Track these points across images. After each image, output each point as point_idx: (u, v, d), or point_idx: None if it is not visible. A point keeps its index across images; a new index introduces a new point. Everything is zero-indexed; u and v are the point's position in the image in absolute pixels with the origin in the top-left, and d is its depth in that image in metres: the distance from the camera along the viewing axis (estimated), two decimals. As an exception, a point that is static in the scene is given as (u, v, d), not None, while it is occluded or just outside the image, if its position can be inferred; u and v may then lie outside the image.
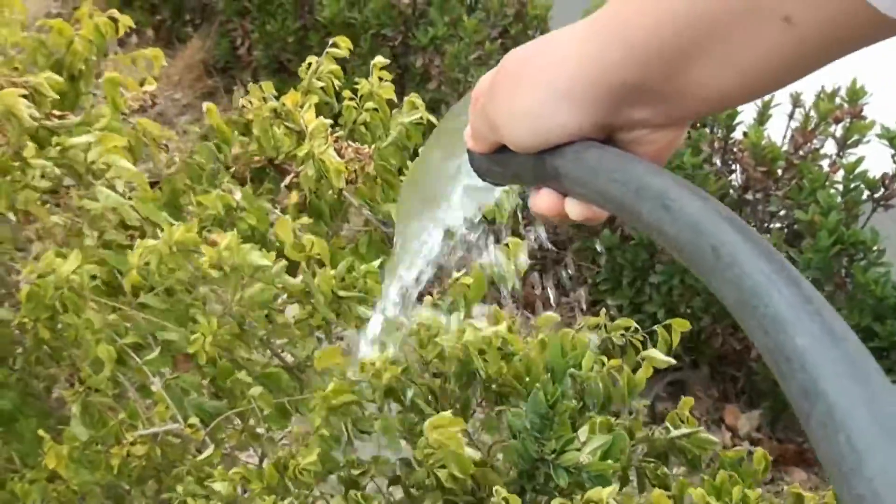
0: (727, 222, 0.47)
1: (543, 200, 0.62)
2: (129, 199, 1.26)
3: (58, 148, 1.19)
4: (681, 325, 1.31)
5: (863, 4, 0.44)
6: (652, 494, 1.19)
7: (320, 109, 1.33)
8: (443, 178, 0.75)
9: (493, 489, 1.10)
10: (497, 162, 0.65)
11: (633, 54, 0.53)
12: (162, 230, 1.22)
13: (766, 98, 2.78)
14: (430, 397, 1.24)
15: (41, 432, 1.30)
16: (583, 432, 1.21)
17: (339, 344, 1.38)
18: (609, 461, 1.15)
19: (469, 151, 0.67)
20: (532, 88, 0.57)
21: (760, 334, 0.43)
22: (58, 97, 1.21)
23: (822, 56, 0.49)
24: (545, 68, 0.57)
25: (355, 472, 1.21)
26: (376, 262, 1.27)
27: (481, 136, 0.64)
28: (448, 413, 1.12)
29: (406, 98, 1.31)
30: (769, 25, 0.47)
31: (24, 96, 1.17)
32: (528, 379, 1.27)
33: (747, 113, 2.80)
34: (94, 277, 1.23)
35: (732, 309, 0.45)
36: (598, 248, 2.90)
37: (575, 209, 0.60)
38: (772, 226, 2.81)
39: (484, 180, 0.69)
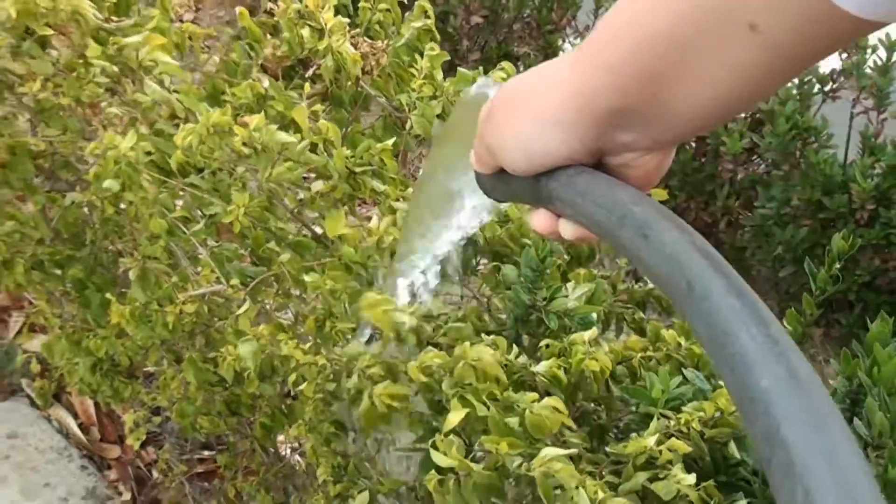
0: (703, 256, 0.47)
1: (540, 220, 0.65)
2: (175, 92, 1.45)
3: (115, 46, 1.36)
4: (658, 195, 1.48)
5: (829, 6, 0.43)
6: (629, 339, 1.38)
7: (338, 11, 1.50)
8: (450, 193, 0.84)
9: (484, 339, 1.20)
10: (499, 181, 0.68)
11: (614, 79, 0.54)
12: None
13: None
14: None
15: (108, 296, 1.51)
16: (570, 286, 1.40)
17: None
18: (592, 306, 1.33)
19: (475, 171, 0.71)
20: (523, 118, 0.60)
21: (728, 372, 0.42)
22: (114, 2, 1.39)
23: (796, 62, 0.48)
24: (535, 99, 0.59)
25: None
26: (389, 141, 1.44)
27: (483, 160, 0.68)
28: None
29: (417, 3, 1.49)
30: (737, 36, 0.47)
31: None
32: (523, 240, 1.44)
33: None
34: (148, 153, 1.40)
35: (703, 343, 0.45)
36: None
37: (568, 230, 0.63)
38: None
39: (489, 197, 0.73)
